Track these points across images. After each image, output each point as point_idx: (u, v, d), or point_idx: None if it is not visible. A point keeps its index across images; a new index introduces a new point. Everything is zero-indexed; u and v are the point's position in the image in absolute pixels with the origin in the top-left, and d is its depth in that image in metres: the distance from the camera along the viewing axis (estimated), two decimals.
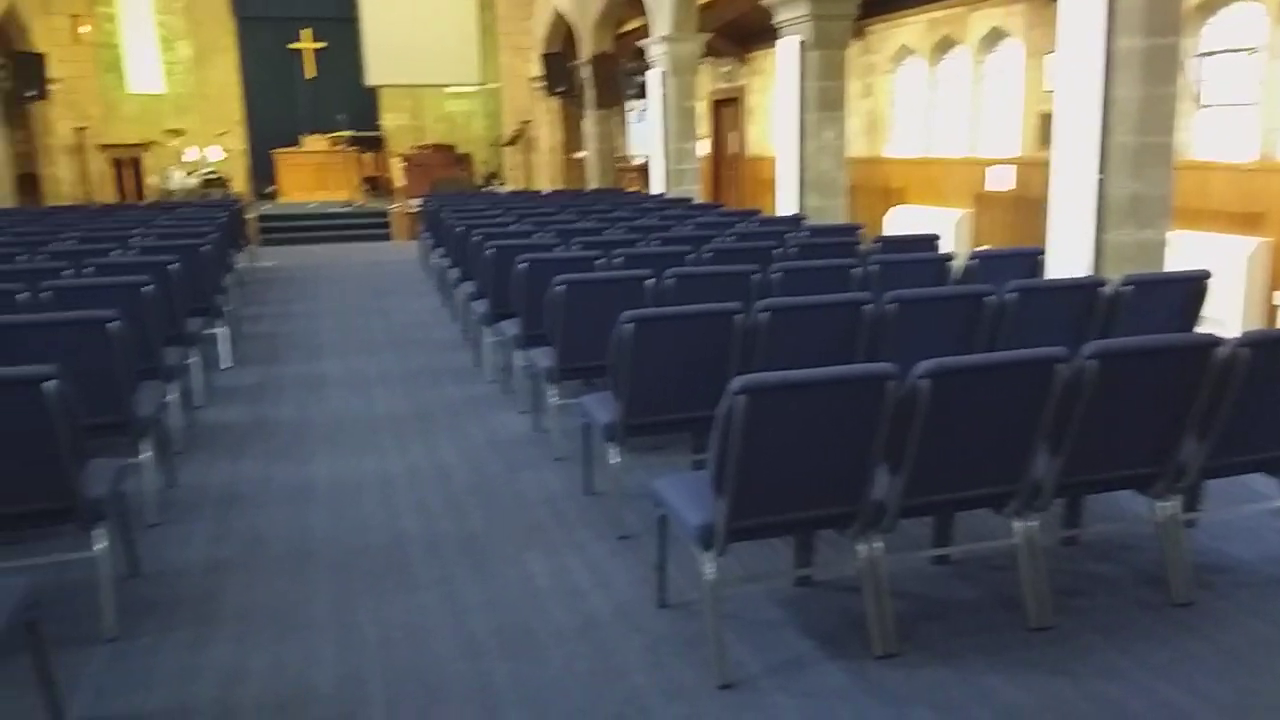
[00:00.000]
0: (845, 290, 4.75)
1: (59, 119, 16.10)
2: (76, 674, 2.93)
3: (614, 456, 3.95)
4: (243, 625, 3.25)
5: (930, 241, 6.01)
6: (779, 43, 8.63)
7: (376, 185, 18.31)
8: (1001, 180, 9.87)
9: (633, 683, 2.86)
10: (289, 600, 3.43)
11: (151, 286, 4.63)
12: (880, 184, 11.76)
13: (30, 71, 14.59)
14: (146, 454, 4.06)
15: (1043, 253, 5.46)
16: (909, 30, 11.20)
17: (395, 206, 15.81)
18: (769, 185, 14.27)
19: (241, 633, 3.20)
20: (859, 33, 11.11)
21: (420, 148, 18.67)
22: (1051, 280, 5.06)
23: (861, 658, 2.97)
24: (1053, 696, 2.76)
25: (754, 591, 3.39)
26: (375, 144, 19.01)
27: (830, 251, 5.68)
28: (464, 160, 18.56)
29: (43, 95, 14.99)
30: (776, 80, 8.86)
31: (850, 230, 6.58)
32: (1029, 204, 8.81)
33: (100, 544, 3.14)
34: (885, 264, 4.90)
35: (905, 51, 11.39)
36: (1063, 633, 3.09)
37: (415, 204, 14.20)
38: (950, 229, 9.91)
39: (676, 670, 2.92)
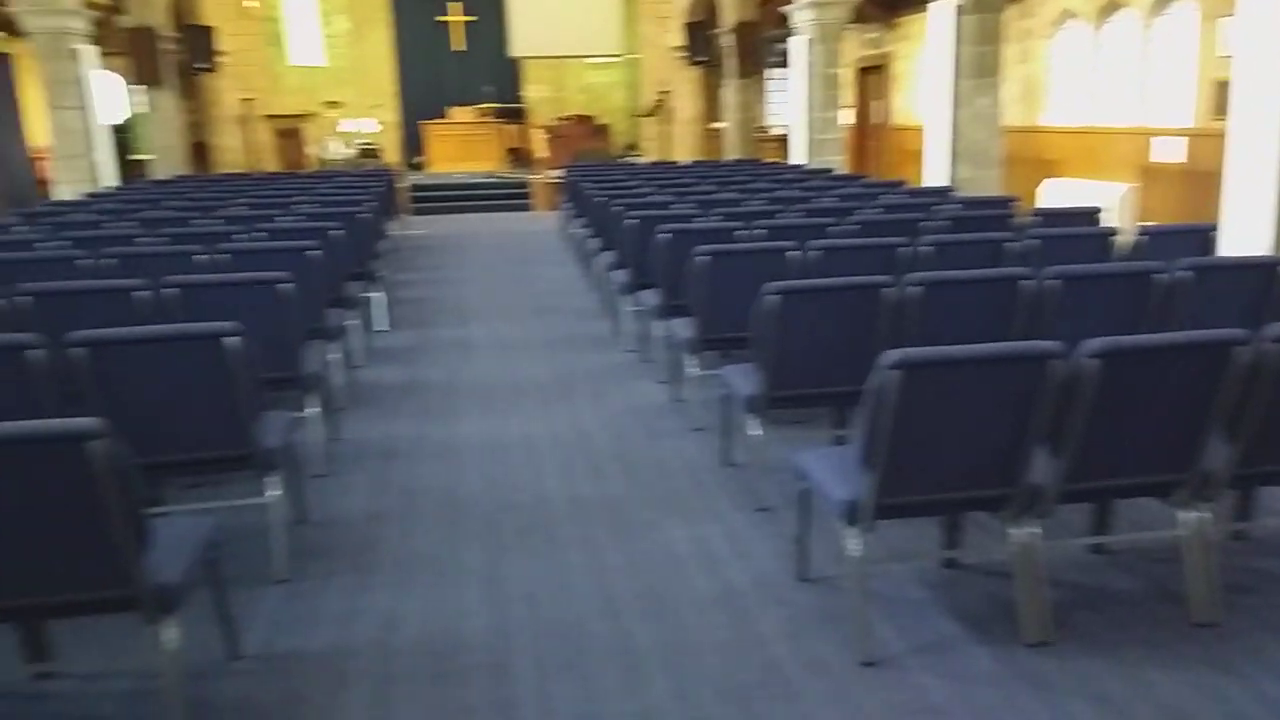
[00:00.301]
0: (999, 265, 4.57)
1: (226, 90, 17.07)
2: (251, 611, 3.16)
3: (754, 428, 3.95)
4: (400, 573, 3.42)
5: (1091, 215, 5.71)
6: (932, 6, 8.32)
7: (519, 156, 18.69)
8: (1170, 152, 9.26)
9: (773, 653, 2.87)
10: (442, 552, 3.59)
11: (318, 251, 4.88)
12: (1034, 155, 11.21)
13: (201, 44, 15.50)
14: (313, 409, 4.31)
15: (1215, 229, 5.11)
16: None
17: (536, 177, 16.10)
18: (914, 156, 13.85)
19: (398, 580, 3.37)
20: None
21: (561, 119, 18.94)
22: (1228, 258, 4.73)
23: (1011, 644, 2.89)
24: (1219, 696, 2.62)
25: (899, 570, 3.34)
26: (518, 115, 19.39)
27: (983, 225, 5.47)
28: (603, 131, 18.72)
29: (212, 68, 15.90)
30: (927, 46, 8.55)
31: (1004, 203, 6.31)
32: (1200, 178, 8.25)
33: (274, 491, 3.36)
34: (1044, 238, 4.69)
35: (1067, 14, 10.78)
36: (1230, 630, 2.93)
37: (556, 174, 14.43)
38: (1111, 203, 9.36)
39: (818, 644, 2.91)
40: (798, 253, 4.59)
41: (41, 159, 14.61)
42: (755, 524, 3.77)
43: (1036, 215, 5.56)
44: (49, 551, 2.22)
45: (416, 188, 15.98)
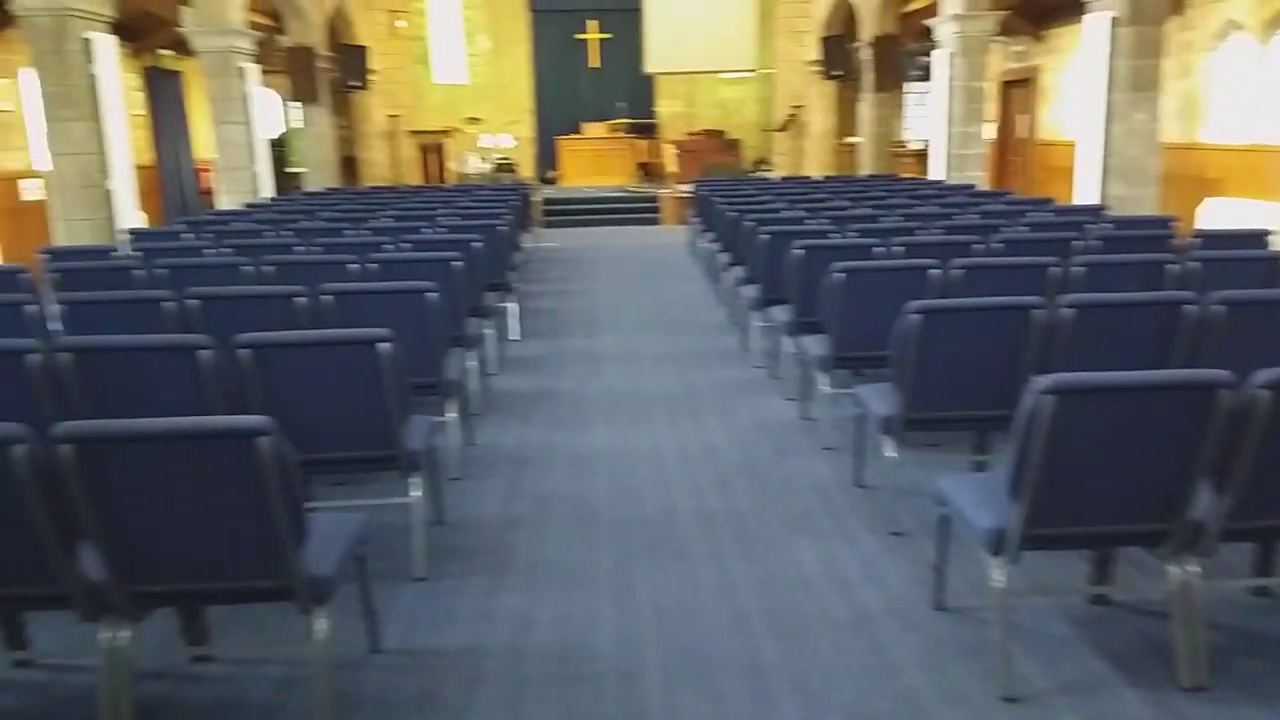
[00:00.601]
0: (1158, 289, 4.34)
1: (375, 107, 17.86)
2: (390, 607, 3.27)
3: (889, 450, 3.85)
4: (532, 577, 3.49)
5: (1259, 238, 5.36)
6: (1087, 18, 7.99)
7: (649, 170, 18.87)
8: None
9: (908, 682, 2.79)
10: (572, 559, 3.64)
11: (460, 262, 5.04)
12: (1193, 173, 10.60)
13: (355, 63, 16.28)
14: (452, 414, 4.44)
15: None
16: (1236, 2, 9.98)
17: (665, 191, 16.21)
18: (1059, 173, 13.32)
19: (531, 584, 3.44)
20: (1177, 7, 10.06)
21: (692, 134, 19.03)
22: None
23: (1164, 688, 2.72)
24: None
25: (1043, 604, 3.19)
26: (650, 130, 19.59)
27: (1139, 245, 5.19)
28: (734, 146, 18.71)
29: (365, 85, 16.67)
30: (1080, 59, 8.22)
31: (1163, 223, 5.99)
32: None
33: (416, 492, 3.48)
34: (1206, 261, 4.43)
35: (1231, 26, 10.17)
36: None
37: (685, 189, 14.50)
38: (1278, 225, 8.77)
39: (956, 676, 2.81)
40: (939, 271, 4.47)
41: (204, 170, 15.64)
42: (889, 548, 3.68)
43: (1197, 236, 5.25)
44: (215, 541, 2.36)
45: (548, 201, 16.32)
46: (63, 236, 8.02)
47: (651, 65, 18.65)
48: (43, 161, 9.13)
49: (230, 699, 2.78)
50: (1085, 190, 8.18)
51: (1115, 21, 7.64)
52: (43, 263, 5.56)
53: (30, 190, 11.22)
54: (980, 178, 11.23)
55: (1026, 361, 3.55)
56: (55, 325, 4.17)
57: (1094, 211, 6.93)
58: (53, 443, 2.21)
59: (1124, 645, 2.96)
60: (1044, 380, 2.41)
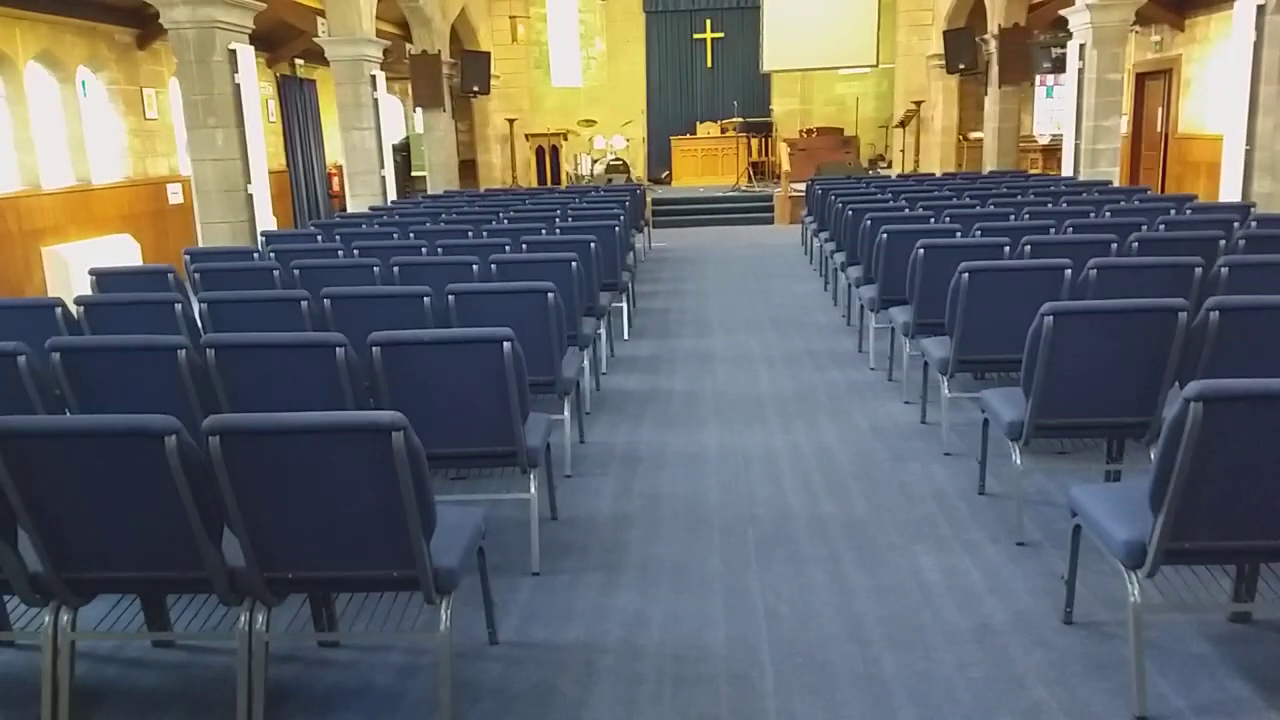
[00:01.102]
0: None
1: (495, 111, 18.29)
2: (507, 600, 3.34)
3: (1016, 457, 3.72)
4: (644, 576, 3.51)
5: None
6: (1237, 6, 7.54)
7: (761, 170, 18.73)
8: None
9: (1034, 697, 2.69)
10: (685, 558, 3.64)
11: (576, 263, 5.11)
12: None
13: (479, 70, 16.68)
14: (566, 412, 4.51)
15: None
16: None
17: (778, 190, 16.06)
18: (1198, 168, 12.62)
19: (643, 582, 3.45)
20: None
21: (806, 132, 18.81)
22: None
23: None
24: None
25: (1180, 621, 3.03)
26: (764, 129, 19.44)
27: None
28: (850, 143, 18.39)
29: (486, 90, 17.08)
30: (1226, 49, 7.76)
31: None
32: None
33: (533, 488, 3.54)
34: None
35: None
36: None
37: (798, 188, 14.33)
38: None
39: (1084, 692, 2.70)
40: (1070, 272, 4.29)
41: (332, 175, 16.31)
42: (1014, 558, 3.55)
43: None
44: (349, 530, 2.46)
45: (659, 201, 16.38)
46: (204, 238, 8.49)
47: (769, 64, 18.48)
48: (186, 167, 9.69)
49: (356, 684, 2.89)
50: (1229, 187, 7.72)
51: (1262, 9, 7.18)
52: (186, 263, 5.89)
53: (174, 194, 11.93)
54: (1114, 173, 10.73)
55: (1168, 367, 3.38)
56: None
57: (1240, 210, 6.53)
58: (202, 434, 2.34)
59: (1266, 665, 2.78)
60: (1192, 387, 2.28)
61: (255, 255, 6.41)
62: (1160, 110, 14.19)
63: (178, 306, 4.28)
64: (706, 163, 18.95)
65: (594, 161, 18.86)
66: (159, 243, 11.46)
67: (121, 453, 2.38)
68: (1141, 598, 2.58)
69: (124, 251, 10.58)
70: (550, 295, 4.11)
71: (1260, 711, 2.58)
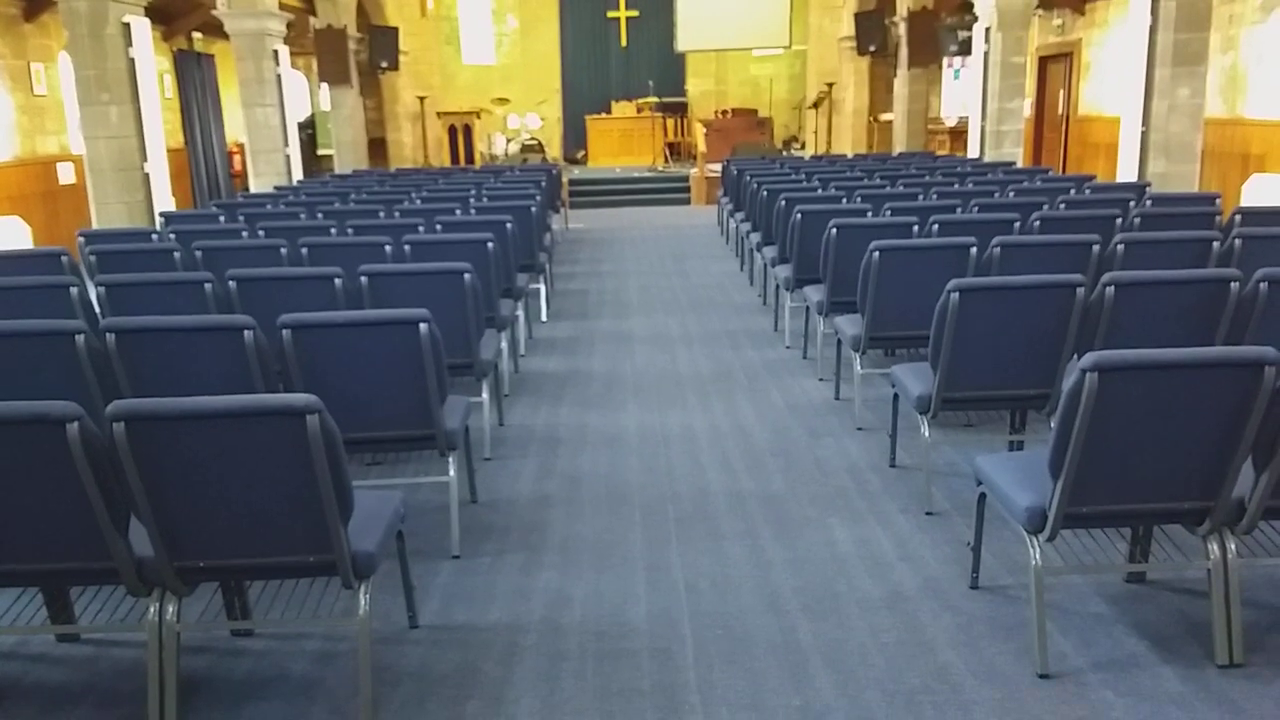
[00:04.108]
0: (1201, 267, 4.27)
1: (404, 89, 17.90)
2: (427, 584, 3.31)
3: (925, 430, 3.84)
4: (565, 555, 3.52)
5: None
6: None
7: (677, 150, 18.79)
8: None
9: (943, 659, 2.79)
10: (606, 537, 3.66)
11: (492, 244, 5.06)
12: (1237, 149, 10.40)
13: (387, 45, 16.30)
14: (485, 394, 4.47)
15: None
16: None
17: (694, 171, 16.15)
18: (1098, 149, 13.11)
19: (565, 562, 3.46)
20: None
21: (721, 113, 18.92)
22: None
23: (1200, 665, 2.71)
24: None
25: (1079, 583, 3.18)
26: (679, 109, 19.49)
27: (1183, 223, 5.11)
28: (765, 124, 18.57)
29: (394, 66, 16.70)
30: (1122, 34, 8.06)
31: (1207, 200, 5.88)
32: None
33: (452, 471, 3.51)
34: (1251, 239, 4.35)
35: None
36: None
37: (714, 169, 14.42)
38: None
39: (990, 653, 2.81)
40: (976, 250, 4.43)
41: (233, 153, 15.78)
42: (923, 528, 3.66)
43: (1239, 214, 5.15)
44: (263, 517, 2.40)
45: (575, 181, 16.31)
46: (99, 219, 8.14)
47: (683, 43, 18.51)
48: (78, 145, 9.26)
49: (271, 673, 2.83)
50: (1126, 167, 8.05)
51: None
52: (81, 246, 5.65)
53: (65, 174, 11.39)
54: (1017, 154, 11.08)
55: (1067, 341, 3.52)
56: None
57: (1136, 189, 6.82)
58: (105, 420, 2.25)
59: (1160, 623, 2.94)
60: (1088, 358, 2.38)
61: (154, 237, 6.17)
62: (1062, 93, 14.69)
63: (73, 290, 4.10)
64: (623, 143, 18.92)
65: (508, 141, 18.64)
66: (50, 225, 10.93)
67: (20, 441, 2.28)
68: (1042, 561, 2.69)
69: (12, 234, 10.06)
70: (467, 276, 4.06)
71: (1154, 666, 2.72)
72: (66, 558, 2.48)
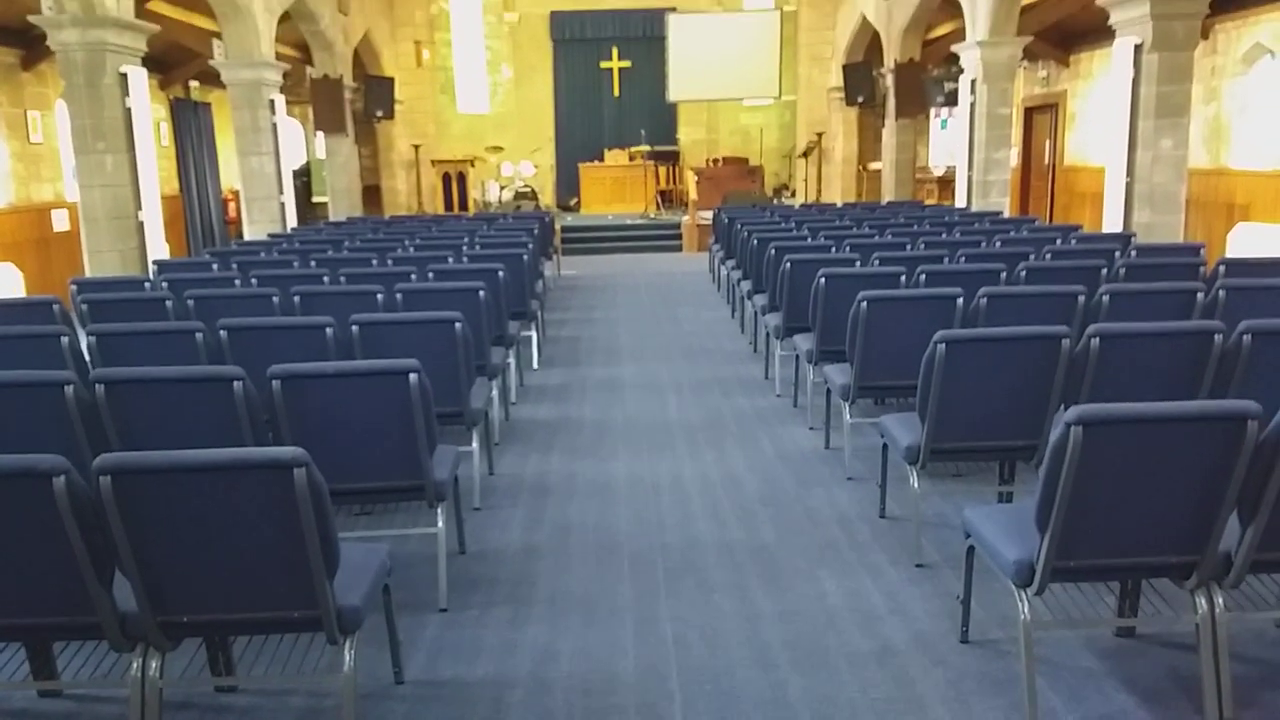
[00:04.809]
0: (1185, 318, 4.32)
1: (399, 136, 18.08)
2: (414, 638, 3.28)
3: (914, 481, 3.84)
4: (554, 608, 3.49)
5: None
6: (1117, 43, 7.98)
7: (669, 198, 18.97)
8: None
9: (933, 716, 2.77)
10: (594, 589, 3.64)
11: (484, 292, 5.09)
12: (1222, 199, 10.56)
13: (382, 94, 16.49)
14: (475, 444, 4.47)
15: None
16: (1265, 27, 9.97)
17: (686, 218, 16.28)
18: (1085, 198, 13.28)
19: (553, 615, 3.44)
20: (1205, 33, 10.03)
21: (712, 161, 19.14)
22: None
23: None
24: None
25: (1069, 637, 3.16)
26: (671, 157, 19.71)
27: (1167, 274, 5.17)
28: (755, 172, 18.77)
29: (390, 115, 16.88)
30: (1107, 85, 8.22)
31: (1191, 250, 5.96)
32: None
33: (440, 522, 3.50)
34: (1235, 290, 4.40)
35: (1260, 51, 10.15)
36: None
37: (706, 216, 14.55)
38: None
39: (981, 709, 2.79)
40: (964, 300, 4.47)
41: (229, 200, 15.88)
42: (913, 580, 3.65)
43: (1223, 264, 5.21)
44: (248, 571, 2.39)
45: (568, 228, 16.42)
46: (92, 267, 8.16)
47: (674, 94, 18.77)
48: (73, 193, 9.31)
49: None
50: (1112, 217, 8.15)
51: (1142, 48, 7.64)
52: (73, 294, 5.66)
53: (59, 221, 11.44)
54: (1004, 204, 11.22)
55: (1053, 392, 3.54)
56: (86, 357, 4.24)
57: (1122, 239, 6.90)
58: (92, 474, 2.25)
59: (1150, 678, 2.93)
60: (1072, 412, 2.40)
61: (147, 285, 6.19)
62: (1048, 143, 14.92)
63: (64, 339, 4.10)
64: (615, 190, 19.10)
65: (502, 188, 18.80)
66: (43, 271, 10.95)
67: (6, 494, 2.27)
68: (1031, 615, 2.68)
69: (4, 282, 10.08)
70: (457, 325, 4.08)
71: None
72: (50, 612, 2.45)
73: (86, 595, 2.37)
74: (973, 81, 11.16)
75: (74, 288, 5.77)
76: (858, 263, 6.13)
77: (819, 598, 3.53)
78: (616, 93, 20.41)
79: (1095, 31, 11.00)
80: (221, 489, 2.29)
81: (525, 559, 3.94)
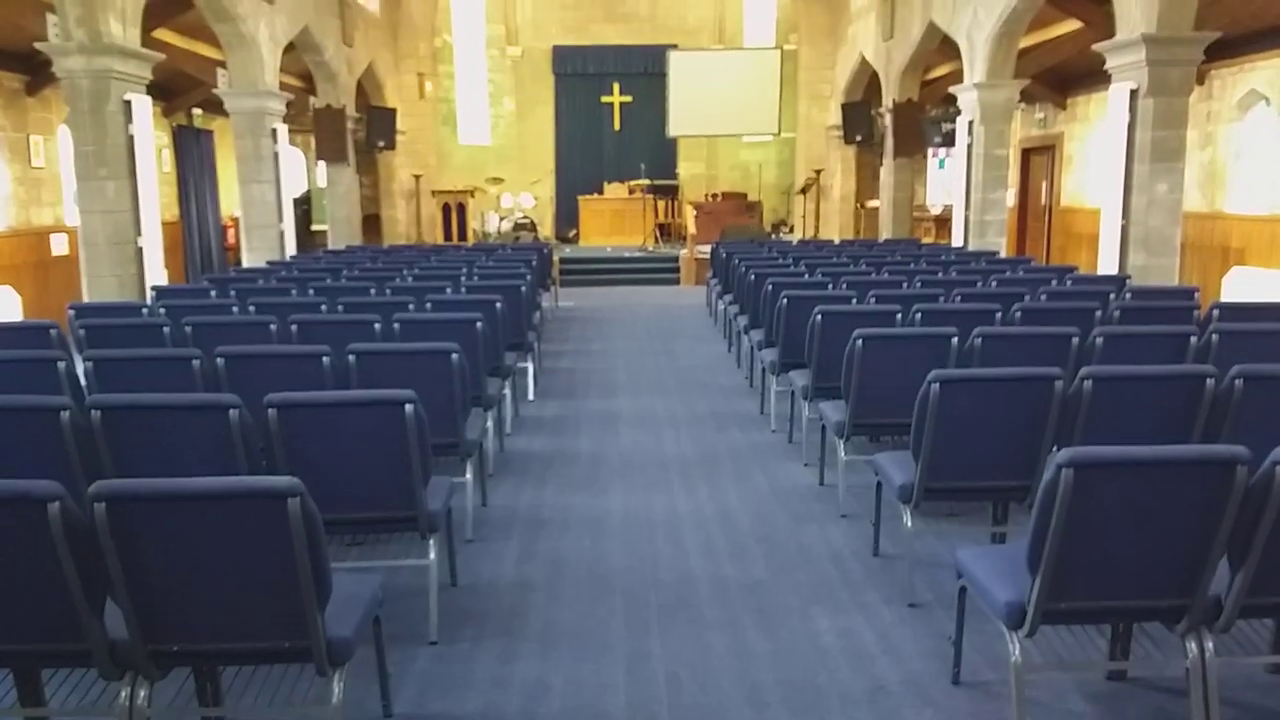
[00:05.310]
0: (1179, 361, 4.34)
1: (401, 167, 18.20)
2: (403, 670, 3.26)
3: (907, 519, 3.84)
4: (545, 643, 3.47)
5: None
6: (1112, 89, 8.09)
7: (667, 231, 19.08)
8: None
9: None
10: (587, 624, 3.62)
11: (482, 323, 5.11)
12: (1218, 243, 10.65)
13: (383, 125, 16.62)
14: (469, 475, 4.47)
15: None
16: (1260, 74, 10.11)
17: (684, 252, 16.36)
18: (1081, 240, 13.38)
19: (544, 649, 3.42)
20: (1200, 78, 10.17)
21: (711, 196, 19.28)
22: None
23: None
24: None
25: (1060, 680, 3.15)
26: (671, 191, 19.86)
27: (1161, 317, 5.21)
28: (754, 207, 18.91)
29: (392, 146, 17.01)
30: (1102, 128, 8.31)
31: (1186, 294, 6.00)
32: None
33: (433, 553, 3.49)
34: (1228, 334, 4.43)
35: (1255, 97, 10.28)
36: None
37: (704, 250, 14.63)
38: None
39: None
40: (959, 340, 4.49)
41: (227, 227, 15.95)
42: (906, 620, 3.64)
43: (1216, 309, 5.25)
44: (239, 601, 2.38)
45: (566, 260, 16.49)
46: (91, 292, 8.17)
47: (674, 129, 18.95)
48: (73, 217, 9.34)
49: None
50: (1107, 259, 8.20)
51: (1138, 93, 7.73)
52: (70, 319, 5.67)
53: (59, 245, 11.47)
54: (1000, 244, 11.30)
55: (1046, 434, 3.55)
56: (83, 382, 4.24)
57: (1117, 281, 6.95)
58: (87, 500, 2.25)
59: None
60: (1063, 454, 2.41)
61: (145, 311, 6.21)
62: (1045, 184, 15.05)
63: (61, 365, 4.11)
64: (614, 222, 19.21)
65: (501, 219, 18.90)
66: (40, 295, 10.98)
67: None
68: (1023, 657, 2.68)
69: (2, 305, 10.10)
70: (454, 356, 4.09)
71: None
72: (40, 639, 2.44)
73: (77, 622, 2.36)
74: (970, 122, 11.28)
75: (72, 312, 5.79)
76: (854, 300, 6.16)
77: (811, 636, 3.52)
78: (617, 127, 20.61)
79: (1092, 75, 11.13)
80: (216, 517, 2.29)
81: (517, 592, 3.92)
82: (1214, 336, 4.44)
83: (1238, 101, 10.45)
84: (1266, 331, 4.73)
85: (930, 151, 15.66)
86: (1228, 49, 9.58)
